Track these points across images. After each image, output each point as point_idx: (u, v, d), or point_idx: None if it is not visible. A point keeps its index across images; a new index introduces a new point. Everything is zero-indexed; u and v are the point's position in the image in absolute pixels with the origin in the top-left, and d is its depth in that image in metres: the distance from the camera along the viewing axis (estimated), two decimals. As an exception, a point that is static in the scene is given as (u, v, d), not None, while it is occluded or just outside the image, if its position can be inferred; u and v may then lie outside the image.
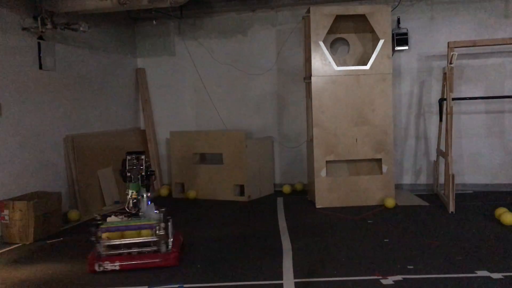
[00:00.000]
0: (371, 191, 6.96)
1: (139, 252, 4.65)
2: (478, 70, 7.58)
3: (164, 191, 8.28)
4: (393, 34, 7.33)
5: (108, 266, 4.50)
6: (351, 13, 6.86)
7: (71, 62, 7.09)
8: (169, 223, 4.73)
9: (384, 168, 6.94)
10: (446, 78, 6.66)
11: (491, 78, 7.56)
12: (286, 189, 8.09)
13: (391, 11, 6.99)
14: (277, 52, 8.29)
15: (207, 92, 8.65)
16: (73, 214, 6.59)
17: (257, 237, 5.55)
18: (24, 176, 6.11)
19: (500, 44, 6.90)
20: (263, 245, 5.22)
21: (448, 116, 6.57)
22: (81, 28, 6.51)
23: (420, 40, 7.73)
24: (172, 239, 4.75)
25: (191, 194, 7.87)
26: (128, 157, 5.07)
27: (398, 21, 7.63)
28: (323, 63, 6.85)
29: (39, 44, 6.39)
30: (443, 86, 7.06)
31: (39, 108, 6.44)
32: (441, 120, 7.28)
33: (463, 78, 7.58)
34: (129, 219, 4.84)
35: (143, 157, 5.07)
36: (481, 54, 7.50)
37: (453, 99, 6.65)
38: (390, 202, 6.74)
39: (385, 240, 5.18)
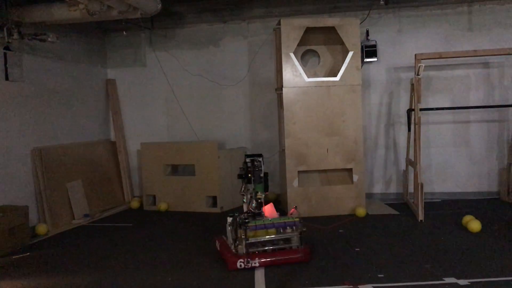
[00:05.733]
0: (342, 200, 7.02)
1: (272, 250, 4.85)
2: (444, 81, 7.79)
3: (135, 204, 8.17)
4: (362, 46, 7.47)
5: (250, 263, 4.66)
6: (321, 25, 6.97)
7: (39, 73, 6.97)
8: None
9: (355, 177, 7.03)
10: (414, 89, 6.81)
11: (457, 89, 7.77)
12: (259, 199, 8.06)
13: (360, 23, 7.13)
14: (249, 63, 8.33)
15: (179, 103, 8.62)
16: (41, 228, 6.43)
17: (229, 248, 5.51)
18: (-11, 190, 5.96)
19: (464, 56, 7.11)
20: (235, 256, 5.19)
21: (416, 126, 6.71)
22: (49, 39, 6.41)
23: (389, 52, 7.89)
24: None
25: (163, 206, 7.78)
26: (248, 160, 5.30)
27: (367, 33, 7.79)
28: (294, 74, 6.92)
29: (5, 54, 6.26)
30: (411, 96, 7.21)
31: (6, 120, 6.29)
32: (409, 130, 7.42)
33: (430, 89, 7.77)
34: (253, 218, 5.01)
35: (260, 159, 5.33)
36: (447, 66, 7.71)
37: (421, 109, 6.81)
38: (361, 211, 6.82)
39: (356, 249, 5.23)
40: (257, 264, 4.67)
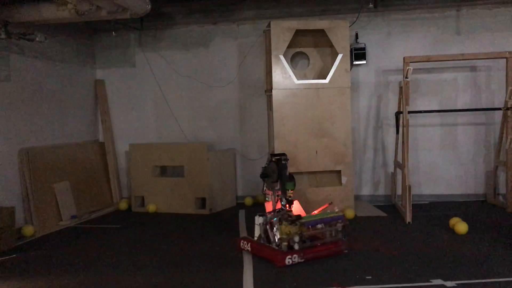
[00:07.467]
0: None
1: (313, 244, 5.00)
2: (432, 84, 7.85)
3: (123, 205, 8.13)
4: (351, 49, 7.51)
5: (297, 258, 4.77)
6: (311, 27, 6.99)
7: (27, 73, 6.90)
8: None
9: (344, 179, 7.05)
10: (402, 92, 6.85)
11: (445, 92, 7.84)
12: (248, 201, 8.08)
13: (350, 26, 7.16)
14: (239, 65, 8.33)
15: (168, 104, 8.59)
16: (28, 230, 6.36)
17: (217, 250, 5.50)
18: (-25, 191, 5.88)
19: (452, 60, 7.19)
20: (224, 258, 5.18)
21: (405, 128, 6.75)
22: (37, 39, 6.36)
23: (378, 54, 7.94)
24: None
25: (151, 207, 7.75)
26: (274, 159, 5.42)
27: (356, 36, 7.83)
28: (284, 76, 6.93)
29: (-8, 54, 6.21)
30: (400, 99, 7.26)
31: (-8, 120, 6.24)
32: (397, 132, 7.47)
33: (418, 92, 7.83)
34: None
35: (286, 158, 5.43)
36: (436, 69, 7.78)
37: (409, 112, 6.85)
38: (349, 213, 6.84)
39: (344, 251, 5.24)
40: (302, 259, 4.79)
